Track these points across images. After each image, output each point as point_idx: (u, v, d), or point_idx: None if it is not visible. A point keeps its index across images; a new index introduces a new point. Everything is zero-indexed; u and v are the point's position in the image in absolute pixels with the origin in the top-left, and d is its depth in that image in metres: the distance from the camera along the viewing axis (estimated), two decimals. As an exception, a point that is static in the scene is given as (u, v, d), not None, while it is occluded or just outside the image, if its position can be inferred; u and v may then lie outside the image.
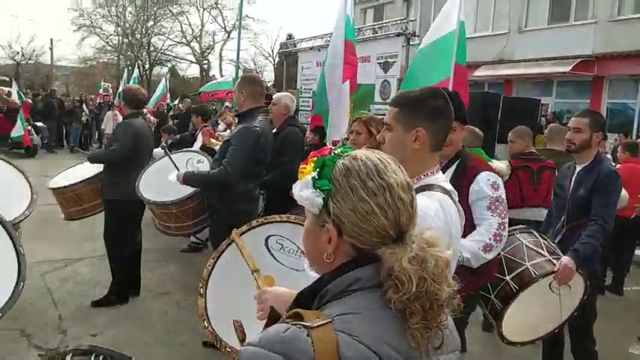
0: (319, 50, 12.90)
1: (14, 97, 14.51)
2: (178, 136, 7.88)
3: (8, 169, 3.80)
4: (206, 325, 2.31)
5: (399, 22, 10.28)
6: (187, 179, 3.65)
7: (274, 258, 2.47)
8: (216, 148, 6.45)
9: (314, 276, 2.55)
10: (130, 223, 4.61)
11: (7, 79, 30.14)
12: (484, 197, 2.52)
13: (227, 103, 13.97)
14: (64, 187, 4.64)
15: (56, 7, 74.02)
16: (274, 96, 5.06)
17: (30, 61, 36.07)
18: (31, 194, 3.65)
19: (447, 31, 5.19)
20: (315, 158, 1.08)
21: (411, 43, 9.88)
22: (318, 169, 1.05)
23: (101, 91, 18.49)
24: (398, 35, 9.84)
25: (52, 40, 36.50)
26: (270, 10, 58.00)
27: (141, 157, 4.60)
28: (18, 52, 34.82)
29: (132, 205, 4.32)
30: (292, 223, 2.53)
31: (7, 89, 12.38)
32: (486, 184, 2.54)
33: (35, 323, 4.17)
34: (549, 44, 16.82)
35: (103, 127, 15.79)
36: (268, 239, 2.52)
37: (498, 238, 2.45)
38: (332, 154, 1.08)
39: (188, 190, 3.79)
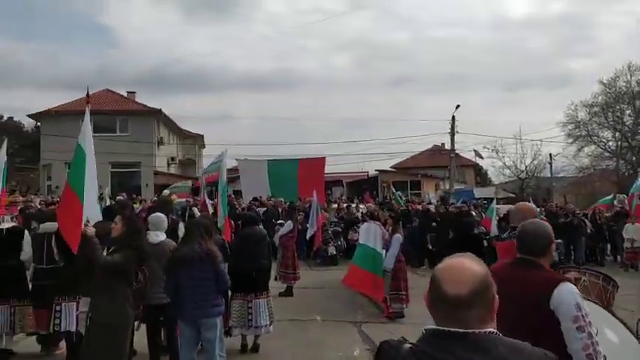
0: None
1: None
2: None
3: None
4: None
5: None
6: None
7: None
8: None
9: None
10: None
11: (514, 195, 33.14)
12: None
13: None
14: None
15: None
16: None
17: (533, 177, 38.79)
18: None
19: None
20: None
21: None
22: None
23: (615, 202, 17.51)
24: None
25: (550, 155, 38.34)
26: None
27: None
28: (522, 171, 38.12)
29: None
30: None
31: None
32: None
33: None
34: None
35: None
36: None
37: None
38: None
39: None
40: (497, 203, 20.25)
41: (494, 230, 14.87)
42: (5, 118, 44.11)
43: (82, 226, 5.24)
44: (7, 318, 6.17)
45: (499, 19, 77.81)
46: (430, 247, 14.60)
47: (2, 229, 6.40)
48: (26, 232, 6.60)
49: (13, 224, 6.91)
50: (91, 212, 5.61)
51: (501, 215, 16.14)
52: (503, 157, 39.00)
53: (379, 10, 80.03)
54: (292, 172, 20.66)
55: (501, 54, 75.61)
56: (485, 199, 24.97)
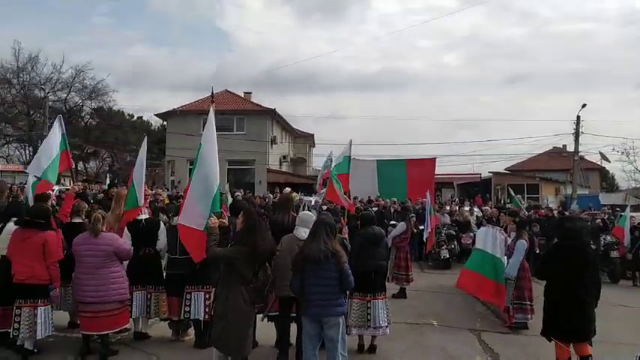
0: None
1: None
2: None
3: None
4: None
5: None
6: None
7: None
8: None
9: None
10: None
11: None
12: None
13: None
14: None
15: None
16: None
17: None
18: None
19: None
20: None
21: None
22: None
23: None
24: None
25: None
26: None
27: None
28: None
29: None
30: None
31: None
32: None
33: None
34: None
35: None
36: None
37: None
38: None
39: None
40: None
41: (627, 240, 13.61)
42: (135, 118, 48.08)
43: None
44: (144, 303, 6.66)
45: (630, 12, 71.47)
46: (537, 251, 13.59)
47: (141, 219, 6.90)
48: (161, 223, 7.08)
49: (149, 216, 7.39)
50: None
51: (635, 223, 14.72)
52: (635, 160, 35.51)
53: (495, 6, 76.91)
54: (401, 172, 20.33)
55: (632, 49, 69.29)
56: (612, 205, 22.96)
